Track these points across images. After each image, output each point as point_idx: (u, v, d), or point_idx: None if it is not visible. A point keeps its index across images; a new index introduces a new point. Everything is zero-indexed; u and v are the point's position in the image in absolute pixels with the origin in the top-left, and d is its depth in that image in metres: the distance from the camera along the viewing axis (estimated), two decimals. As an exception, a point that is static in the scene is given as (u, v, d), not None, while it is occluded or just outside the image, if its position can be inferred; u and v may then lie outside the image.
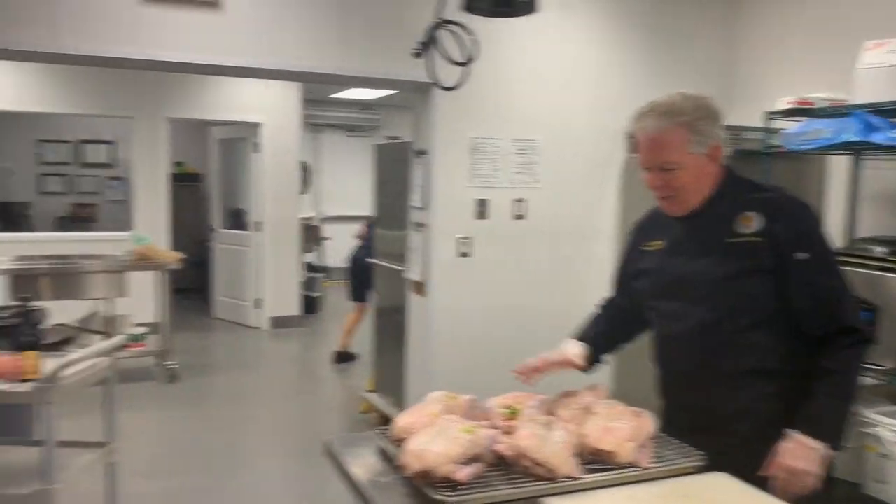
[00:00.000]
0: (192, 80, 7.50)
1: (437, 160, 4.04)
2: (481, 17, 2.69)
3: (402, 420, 1.83)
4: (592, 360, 2.12)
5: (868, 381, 2.97)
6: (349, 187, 11.46)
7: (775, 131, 3.62)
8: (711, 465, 1.71)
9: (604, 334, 2.16)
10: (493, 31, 3.86)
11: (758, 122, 3.70)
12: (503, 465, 1.68)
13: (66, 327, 5.48)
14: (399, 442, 1.81)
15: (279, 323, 8.09)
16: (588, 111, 4.33)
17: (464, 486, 1.56)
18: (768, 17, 4.51)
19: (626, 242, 2.19)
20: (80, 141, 10.07)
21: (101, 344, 2.99)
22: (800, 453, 1.74)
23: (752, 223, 1.82)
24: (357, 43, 3.80)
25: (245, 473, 4.27)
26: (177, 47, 3.45)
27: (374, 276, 5.29)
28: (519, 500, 1.57)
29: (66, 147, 10.05)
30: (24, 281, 5.30)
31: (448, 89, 2.65)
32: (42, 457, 2.61)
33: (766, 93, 4.07)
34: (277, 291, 8.12)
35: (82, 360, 2.76)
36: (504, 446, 1.70)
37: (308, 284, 8.82)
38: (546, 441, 1.66)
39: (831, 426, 1.77)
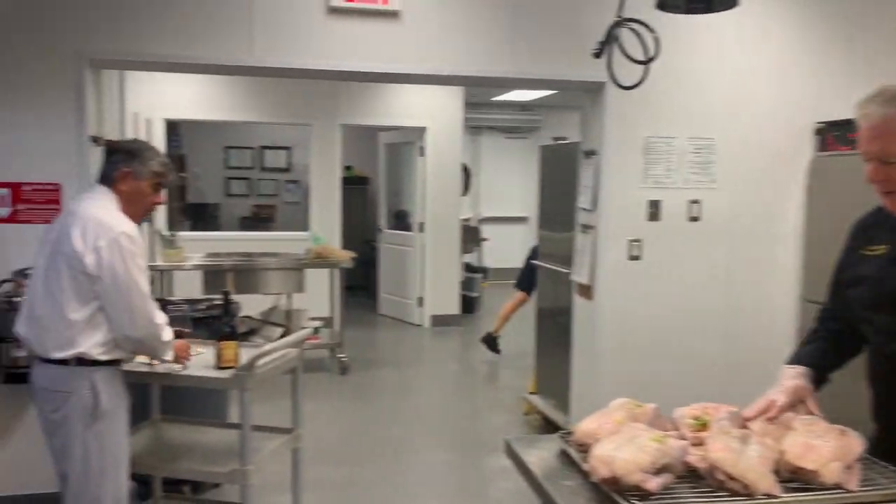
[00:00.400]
0: (364, 88, 7.86)
1: (607, 161, 3.98)
2: (660, 14, 2.61)
3: (586, 425, 1.82)
4: (816, 384, 1.92)
5: None
6: (507, 189, 11.56)
7: None
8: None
9: (824, 354, 1.94)
10: (670, 27, 3.73)
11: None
12: (692, 478, 1.63)
13: (251, 319, 5.96)
14: (582, 447, 1.80)
15: (439, 321, 8.29)
16: (770, 107, 4.09)
17: (653, 496, 1.52)
18: None
19: (844, 244, 1.99)
20: (261, 147, 10.86)
21: (290, 336, 3.21)
22: None
23: None
24: (527, 45, 3.82)
25: (410, 466, 4.42)
26: (360, 57, 3.63)
27: (538, 276, 5.29)
28: (713, 514, 1.51)
29: (250, 153, 10.87)
30: (213, 276, 5.80)
31: (628, 88, 2.59)
32: (239, 439, 2.83)
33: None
34: (438, 290, 8.32)
35: (275, 350, 2.97)
36: (696, 458, 1.64)
37: (467, 284, 8.97)
38: (741, 455, 1.58)
39: None
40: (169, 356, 2.68)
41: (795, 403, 1.82)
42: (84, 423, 2.49)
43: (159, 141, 7.03)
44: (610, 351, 4.07)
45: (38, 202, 3.37)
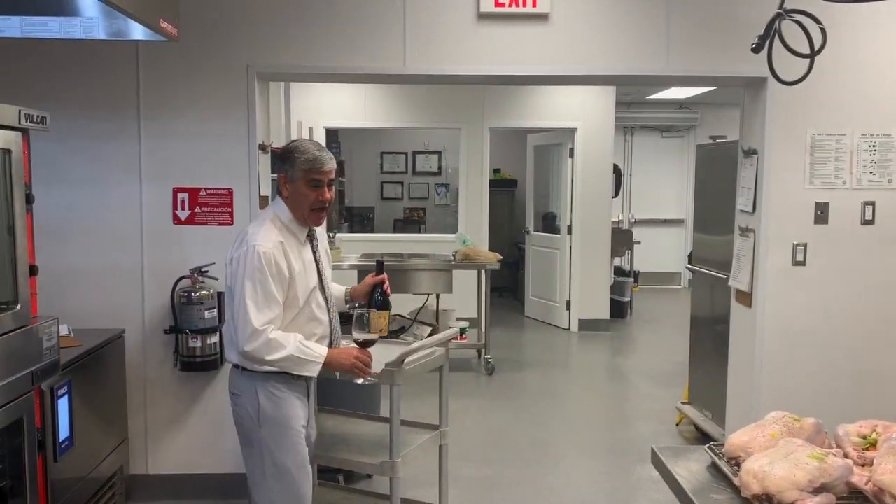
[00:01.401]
0: (512, 91, 7.91)
1: (768, 160, 3.75)
2: (826, 4, 2.43)
3: (738, 438, 1.74)
4: None
5: None
6: (662, 190, 11.16)
7: None
8: None
9: None
10: (839, 15, 3.48)
11: None
12: (857, 500, 1.51)
13: (402, 318, 6.16)
14: (733, 460, 1.72)
15: (587, 325, 8.16)
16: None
17: (812, 517, 1.43)
18: None
19: None
20: (413, 152, 11.20)
21: (438, 335, 3.30)
22: None
23: None
24: (682, 41, 3.69)
25: (554, 470, 4.39)
26: (510, 60, 3.66)
27: (692, 282, 5.08)
28: (882, 542, 1.39)
29: (402, 157, 11.24)
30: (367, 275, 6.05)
31: (792, 84, 2.44)
32: (390, 432, 2.94)
33: None
34: (586, 294, 8.19)
35: (424, 348, 3.06)
36: (860, 479, 1.52)
37: (616, 288, 8.76)
38: (916, 480, 1.45)
39: None
40: (311, 371, 2.52)
41: None
42: (252, 427, 2.57)
43: (320, 147, 7.45)
44: (770, 362, 3.83)
45: (212, 206, 3.68)
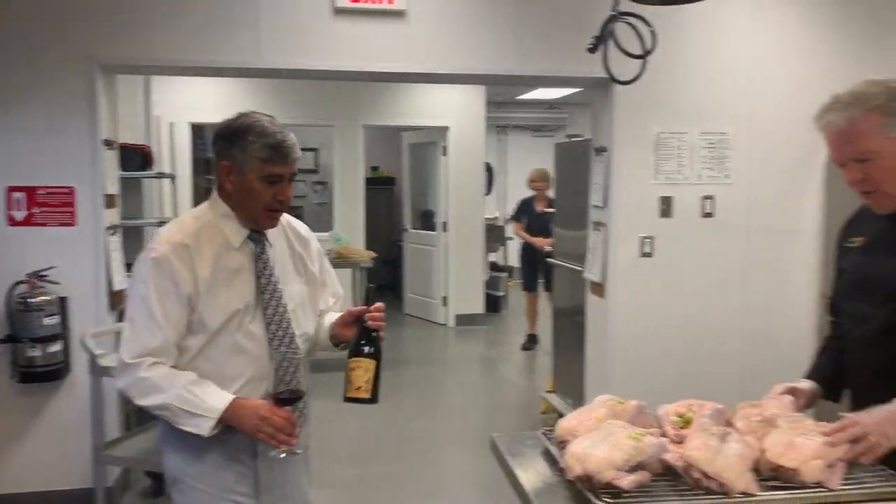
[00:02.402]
0: (385, 89, 7.90)
1: (617, 157, 3.94)
2: (663, 7, 2.58)
3: (567, 422, 1.80)
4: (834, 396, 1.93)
5: None
6: (535, 188, 11.51)
7: None
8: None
9: (834, 368, 1.93)
10: (678, 20, 3.70)
11: None
12: (671, 476, 1.60)
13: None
14: (563, 444, 1.79)
15: (463, 320, 8.29)
16: (786, 100, 4.00)
17: (627, 494, 1.51)
18: None
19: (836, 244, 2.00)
20: (289, 149, 10.95)
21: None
22: (892, 416, 1.57)
23: None
24: (534, 42, 3.80)
25: (430, 463, 4.44)
26: (366, 56, 3.66)
27: (553, 274, 5.26)
28: (686, 513, 1.48)
29: (276, 154, 10.97)
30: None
31: (624, 83, 2.57)
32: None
33: None
34: (462, 290, 8.32)
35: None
36: (673, 456, 1.62)
37: (492, 283, 8.96)
38: (719, 453, 1.55)
39: None
40: (198, 428, 1.77)
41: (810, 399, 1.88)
42: (169, 484, 2.00)
43: (184, 145, 7.16)
44: (622, 349, 4.02)
45: (52, 205, 3.45)
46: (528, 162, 11.47)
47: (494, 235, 9.22)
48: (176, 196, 5.45)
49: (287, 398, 1.83)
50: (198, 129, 7.62)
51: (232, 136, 1.86)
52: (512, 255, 10.00)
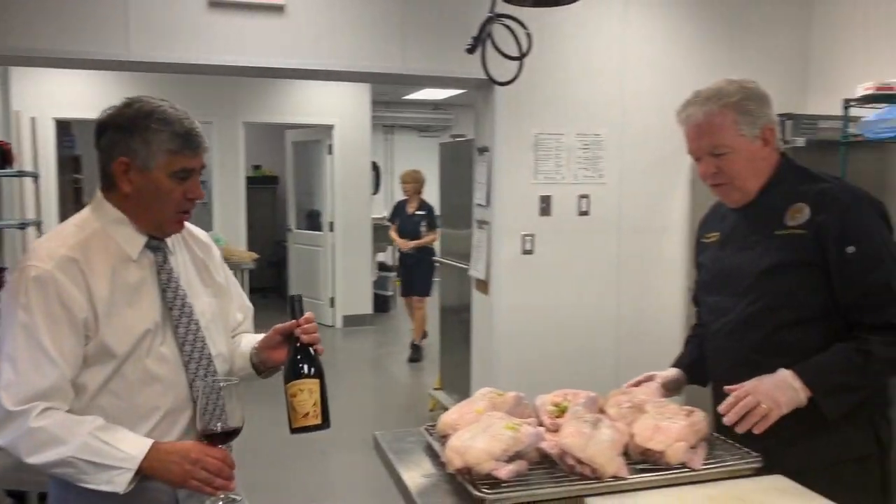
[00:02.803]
0: (268, 85, 7.72)
1: (499, 157, 4.02)
2: (541, 11, 2.65)
3: (448, 417, 1.83)
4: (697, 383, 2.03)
5: None
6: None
7: (854, 119, 3.44)
8: (769, 467, 1.64)
9: (700, 355, 2.02)
10: (554, 22, 3.82)
11: (836, 110, 3.51)
12: (548, 464, 1.65)
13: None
14: (445, 438, 1.81)
15: (351, 321, 8.23)
16: (654, 102, 4.21)
17: (505, 484, 1.54)
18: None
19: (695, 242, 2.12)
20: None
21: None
22: (779, 383, 1.65)
23: (799, 215, 1.74)
24: (417, 42, 3.82)
25: (316, 468, 4.37)
26: (243, 51, 3.55)
27: (441, 274, 5.32)
28: (561, 499, 1.53)
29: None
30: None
31: (502, 84, 2.62)
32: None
33: (845, 79, 3.87)
34: (350, 290, 8.26)
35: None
36: (549, 444, 1.67)
37: (380, 283, 8.94)
38: (591, 439, 1.62)
39: (825, 380, 1.66)
40: (112, 484, 1.43)
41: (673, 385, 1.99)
42: None
43: (48, 141, 6.71)
44: (506, 345, 4.12)
45: None
46: (414, 162, 11.53)
47: (382, 235, 9.19)
48: (39, 196, 5.09)
49: (220, 434, 1.53)
50: (64, 126, 7.16)
51: (129, 125, 1.55)
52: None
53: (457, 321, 4.98)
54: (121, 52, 3.37)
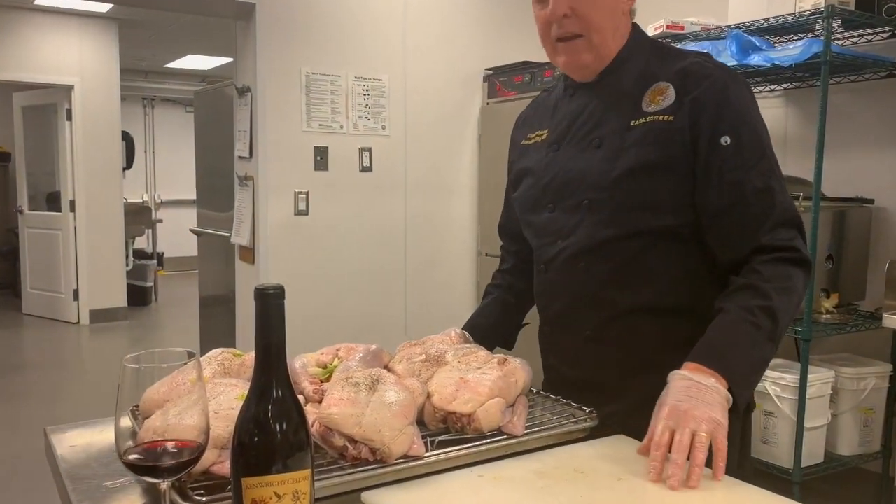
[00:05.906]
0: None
1: (263, 98, 3.39)
2: None
3: (156, 391, 1.20)
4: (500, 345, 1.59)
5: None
6: (190, 168, 10.44)
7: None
8: (606, 427, 1.21)
9: (494, 326, 1.59)
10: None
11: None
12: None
13: None
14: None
15: (101, 316, 7.07)
16: (442, 51, 3.83)
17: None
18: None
19: (509, 149, 1.61)
20: None
21: None
22: (693, 393, 1.13)
23: (662, 98, 1.30)
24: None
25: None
26: None
27: (200, 255, 4.53)
28: (326, 497, 0.99)
29: None
30: None
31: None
32: None
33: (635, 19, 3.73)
34: (98, 281, 7.08)
35: None
36: (310, 419, 1.10)
37: (137, 273, 7.82)
38: (367, 408, 1.08)
39: (737, 360, 1.18)
40: None
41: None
42: None
43: None
44: (277, 322, 3.50)
45: None
46: (180, 138, 10.41)
47: (140, 218, 8.06)
48: None
49: None
50: None
51: None
52: (162, 239, 8.91)
53: (217, 305, 4.25)
54: None
